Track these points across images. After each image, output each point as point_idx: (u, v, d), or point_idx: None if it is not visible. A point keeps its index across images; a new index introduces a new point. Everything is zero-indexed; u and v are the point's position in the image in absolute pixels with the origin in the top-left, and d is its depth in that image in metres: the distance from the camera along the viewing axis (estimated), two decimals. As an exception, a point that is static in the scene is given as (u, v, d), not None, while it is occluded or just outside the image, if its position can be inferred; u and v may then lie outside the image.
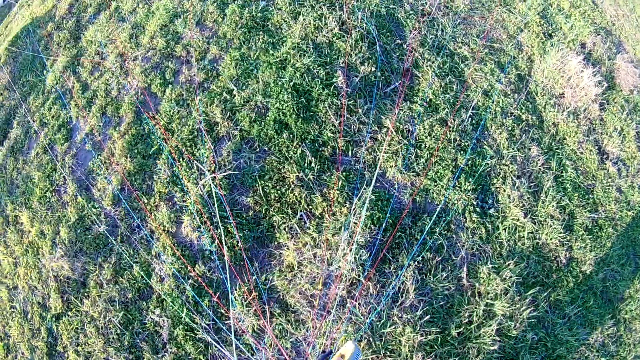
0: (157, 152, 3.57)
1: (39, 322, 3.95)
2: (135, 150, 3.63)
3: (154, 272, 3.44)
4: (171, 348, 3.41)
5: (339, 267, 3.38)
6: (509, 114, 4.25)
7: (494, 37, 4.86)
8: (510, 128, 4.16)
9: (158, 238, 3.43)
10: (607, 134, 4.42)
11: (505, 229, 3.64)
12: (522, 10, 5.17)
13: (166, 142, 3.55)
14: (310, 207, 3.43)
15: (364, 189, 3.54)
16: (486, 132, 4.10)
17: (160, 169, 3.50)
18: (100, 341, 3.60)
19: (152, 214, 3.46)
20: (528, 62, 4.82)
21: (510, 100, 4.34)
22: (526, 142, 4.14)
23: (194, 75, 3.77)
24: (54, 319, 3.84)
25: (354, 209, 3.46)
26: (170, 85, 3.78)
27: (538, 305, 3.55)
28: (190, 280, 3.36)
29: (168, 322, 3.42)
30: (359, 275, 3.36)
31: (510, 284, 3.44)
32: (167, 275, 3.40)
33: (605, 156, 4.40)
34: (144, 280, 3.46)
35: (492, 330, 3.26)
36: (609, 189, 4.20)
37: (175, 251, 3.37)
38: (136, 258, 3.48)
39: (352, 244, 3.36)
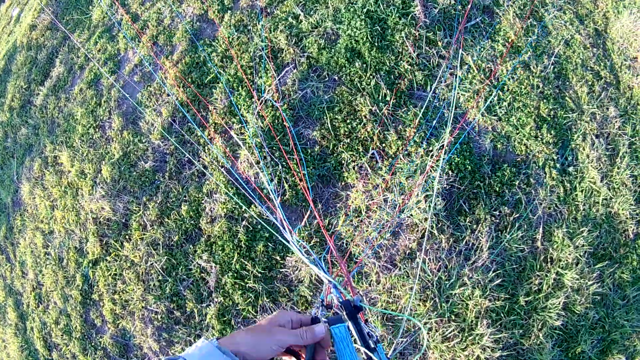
0: (214, 80, 3.21)
1: (74, 268, 3.64)
2: (189, 80, 3.27)
3: (204, 212, 3.06)
4: (217, 297, 3.03)
5: (411, 215, 2.93)
6: (588, 68, 3.89)
7: None
8: (590, 83, 3.79)
9: (211, 174, 3.05)
10: None
11: (582, 191, 3.26)
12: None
13: (224, 70, 3.18)
14: (384, 145, 2.99)
15: (443, 129, 3.09)
16: (568, 83, 3.72)
17: (217, 99, 3.13)
18: (139, 288, 3.25)
19: (206, 148, 3.09)
20: (604, 19, 4.47)
21: (590, 54, 3.99)
22: (605, 100, 3.76)
23: (256, 0, 3.40)
24: (90, 264, 3.52)
25: (431, 151, 3.01)
26: (229, 11, 3.42)
27: (604, 281, 3.17)
28: (244, 222, 2.96)
29: (216, 269, 3.03)
30: (432, 227, 2.92)
31: (582, 254, 3.06)
32: (219, 216, 3.02)
33: None
34: (192, 221, 3.08)
35: (560, 302, 2.91)
36: None
37: (229, 190, 2.98)
38: (185, 197, 3.11)
39: (427, 190, 2.92)
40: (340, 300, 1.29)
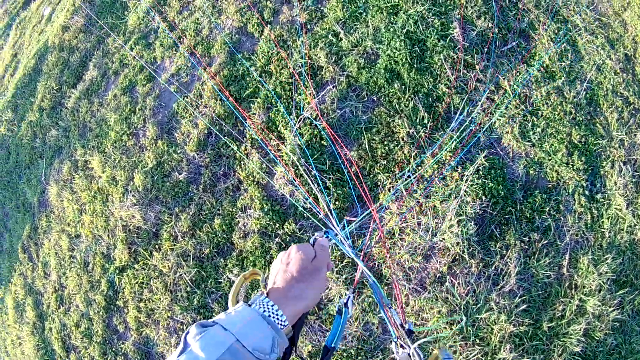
0: (252, 94, 3.22)
1: (99, 273, 3.65)
2: (227, 93, 3.29)
3: (237, 226, 3.06)
4: (247, 314, 3.01)
5: (444, 239, 2.92)
6: (618, 94, 3.92)
7: (601, 10, 4.53)
8: (620, 109, 3.82)
9: (246, 189, 3.06)
10: None
11: (608, 218, 3.28)
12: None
13: (262, 85, 3.19)
14: (419, 167, 2.98)
15: (478, 154, 3.09)
16: (599, 109, 3.75)
17: (255, 114, 3.13)
18: (166, 298, 3.25)
19: (242, 162, 3.09)
20: (633, 43, 4.51)
21: (620, 79, 4.03)
22: (633, 126, 3.79)
23: (296, 15, 3.41)
24: (117, 271, 3.53)
25: (463, 175, 3.00)
26: (269, 25, 3.43)
27: (623, 307, 3.18)
28: (277, 239, 2.96)
29: (247, 284, 3.02)
30: (463, 251, 2.92)
31: (605, 280, 3.08)
32: (251, 232, 3.02)
33: None
34: (224, 235, 3.08)
35: (581, 329, 2.93)
36: None
37: (264, 205, 2.98)
38: (219, 210, 3.12)
39: (460, 215, 2.92)
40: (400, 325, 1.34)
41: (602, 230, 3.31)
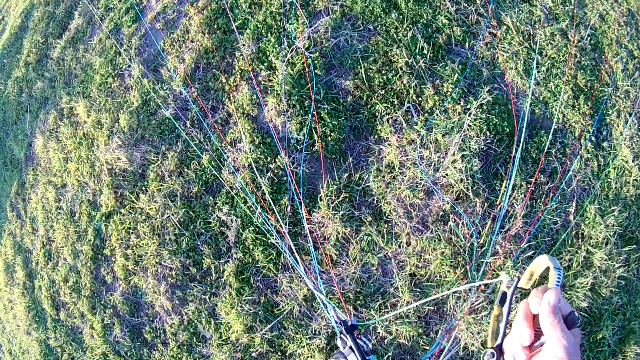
0: (241, 26, 3.05)
1: (86, 222, 3.51)
2: (215, 26, 3.12)
3: (227, 162, 2.91)
4: (237, 253, 2.88)
5: (446, 174, 2.76)
6: (623, 45, 3.79)
7: None
8: (625, 60, 3.70)
9: (235, 123, 2.90)
10: None
11: (614, 169, 3.15)
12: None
13: (251, 16, 3.03)
14: (420, 99, 2.82)
15: (481, 88, 2.93)
16: (603, 56, 3.61)
17: (244, 45, 2.97)
18: (154, 243, 3.11)
19: (231, 95, 2.94)
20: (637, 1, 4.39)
21: (624, 32, 3.90)
22: (638, 80, 3.66)
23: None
24: (103, 218, 3.39)
25: (468, 109, 2.84)
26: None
27: (629, 265, 3.06)
28: (269, 174, 2.81)
29: (237, 222, 2.88)
30: (467, 189, 2.76)
31: (611, 234, 2.95)
32: (242, 167, 2.87)
33: None
34: (213, 172, 2.93)
35: (588, 283, 2.81)
36: None
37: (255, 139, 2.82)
38: (207, 146, 2.97)
39: (463, 150, 2.76)
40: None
41: (609, 180, 3.18)
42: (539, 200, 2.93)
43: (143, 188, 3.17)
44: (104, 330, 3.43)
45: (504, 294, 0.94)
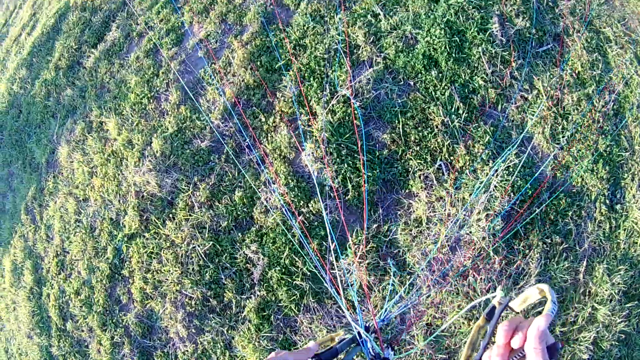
0: (285, 67, 3.12)
1: (106, 240, 3.52)
2: (258, 63, 3.18)
3: (259, 201, 2.96)
4: (260, 291, 2.92)
5: (470, 232, 2.85)
6: None
7: (632, 26, 4.56)
8: None
9: (271, 163, 2.96)
10: None
11: (624, 230, 3.29)
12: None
13: (295, 58, 3.10)
14: (452, 157, 2.91)
15: (508, 150, 3.03)
16: (624, 121, 3.76)
17: (286, 86, 3.04)
18: (176, 271, 3.14)
19: (269, 135, 2.99)
20: None
21: None
22: None
23: (334, -7, 3.32)
24: (125, 238, 3.41)
25: (496, 170, 2.94)
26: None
27: (630, 320, 3.19)
28: (300, 217, 2.87)
29: (264, 261, 2.92)
30: (488, 246, 2.85)
31: (616, 291, 3.08)
32: (273, 207, 2.92)
33: None
34: (244, 209, 2.98)
35: (591, 337, 2.93)
36: None
37: (290, 181, 2.88)
38: (240, 183, 3.01)
39: (488, 209, 2.86)
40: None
41: (618, 241, 3.31)
42: (552, 260, 3.05)
43: (170, 215, 3.20)
44: (112, 347, 3.44)
45: (493, 307, 0.97)
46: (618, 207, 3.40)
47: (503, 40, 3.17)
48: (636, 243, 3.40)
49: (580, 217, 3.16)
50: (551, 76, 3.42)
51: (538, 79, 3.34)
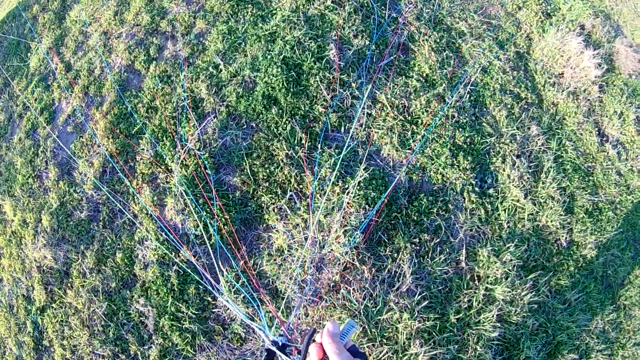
0: (140, 131, 3.36)
1: (24, 315, 3.78)
2: (118, 130, 3.42)
3: (137, 259, 3.23)
4: (157, 339, 3.20)
5: (332, 250, 3.14)
6: (507, 92, 4.17)
7: (491, 13, 4.78)
8: (509, 106, 4.08)
9: (141, 222, 3.22)
10: (607, 116, 4.37)
11: (505, 210, 3.51)
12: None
13: (149, 120, 3.34)
14: (301, 186, 3.19)
15: (358, 167, 3.30)
16: (485, 109, 3.98)
17: (143, 149, 3.29)
18: (85, 334, 3.41)
19: (135, 197, 3.25)
20: (527, 40, 4.79)
21: (509, 77, 4.28)
22: (526, 120, 4.07)
23: (179, 50, 3.55)
24: (38, 311, 3.67)
25: (346, 189, 3.22)
26: (154, 62, 3.57)
27: (539, 289, 3.42)
28: (175, 267, 3.15)
29: (153, 312, 3.21)
30: (353, 259, 3.13)
31: (510, 268, 3.28)
32: (151, 262, 3.19)
33: (605, 138, 4.34)
34: (127, 268, 3.25)
35: (493, 316, 3.10)
36: (609, 171, 4.11)
37: (170, 234, 3.16)
38: (119, 244, 3.28)
39: (345, 226, 3.13)
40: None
41: (500, 222, 3.48)
42: (425, 257, 3.28)
43: (69, 284, 3.46)
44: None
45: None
46: (491, 191, 3.60)
47: (341, 64, 3.43)
48: (523, 219, 3.59)
49: (448, 211, 3.38)
50: (395, 86, 3.65)
51: (381, 93, 3.58)
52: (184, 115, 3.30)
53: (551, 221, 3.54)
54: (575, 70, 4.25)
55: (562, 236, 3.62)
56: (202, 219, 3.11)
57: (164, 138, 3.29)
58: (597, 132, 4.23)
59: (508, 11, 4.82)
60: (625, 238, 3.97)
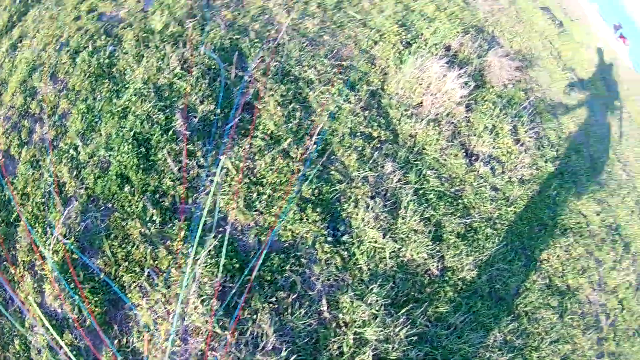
0: (17, 219, 3.58)
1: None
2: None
3: (31, 344, 3.52)
4: None
5: (193, 320, 3.24)
6: (358, 134, 3.95)
7: (343, 54, 4.51)
8: (360, 148, 3.96)
9: (28, 309, 3.49)
10: (475, 135, 4.12)
11: (363, 253, 3.51)
12: (379, 22, 4.59)
13: (24, 207, 3.54)
14: (157, 262, 3.27)
15: (206, 237, 3.32)
16: (333, 157, 3.82)
17: (20, 237, 3.51)
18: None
19: (19, 285, 3.51)
20: (382, 76, 4.53)
21: (360, 118, 4.09)
22: (379, 159, 3.96)
23: (45, 133, 3.68)
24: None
25: (197, 259, 3.25)
26: (25, 146, 3.73)
27: (415, 322, 3.38)
28: (62, 350, 3.40)
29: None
30: (214, 327, 3.21)
31: (378, 308, 3.26)
32: (42, 347, 3.48)
33: (473, 158, 4.17)
34: (25, 354, 3.55)
35: (368, 356, 3.12)
36: (481, 190, 4.00)
37: (45, 322, 3.41)
38: (15, 332, 3.59)
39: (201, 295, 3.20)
40: None
41: (359, 266, 3.47)
42: (285, 313, 3.30)
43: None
44: None
45: None
46: (345, 237, 3.55)
47: (187, 133, 3.37)
48: (384, 258, 3.54)
49: (302, 265, 3.39)
50: (240, 149, 3.51)
51: (226, 158, 3.48)
52: (51, 201, 3.46)
53: (417, 254, 3.47)
54: (437, 95, 3.97)
55: (433, 265, 3.57)
56: (76, 303, 3.31)
57: (37, 224, 3.48)
58: (464, 154, 4.00)
59: (362, 48, 4.54)
60: (512, 249, 3.90)
